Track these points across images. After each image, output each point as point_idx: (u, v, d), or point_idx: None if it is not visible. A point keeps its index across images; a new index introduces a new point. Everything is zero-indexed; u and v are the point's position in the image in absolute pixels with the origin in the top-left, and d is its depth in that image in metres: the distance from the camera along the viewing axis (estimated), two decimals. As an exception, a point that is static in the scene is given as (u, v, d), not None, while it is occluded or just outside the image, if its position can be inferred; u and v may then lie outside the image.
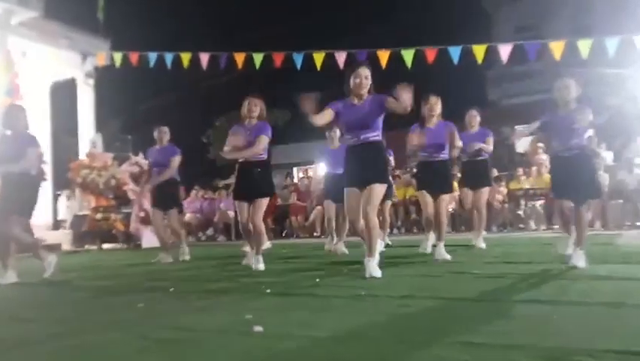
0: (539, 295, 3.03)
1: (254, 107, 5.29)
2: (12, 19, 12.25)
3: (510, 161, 13.53)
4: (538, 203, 11.29)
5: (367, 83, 4.26)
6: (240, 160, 5.36)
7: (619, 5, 17.12)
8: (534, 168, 11.58)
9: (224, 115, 22.82)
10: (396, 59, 11.21)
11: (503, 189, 11.65)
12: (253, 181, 5.23)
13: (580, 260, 4.21)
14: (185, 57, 12.31)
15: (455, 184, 9.35)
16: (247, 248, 7.17)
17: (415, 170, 7.33)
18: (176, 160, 6.74)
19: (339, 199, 7.14)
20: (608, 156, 11.17)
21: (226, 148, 5.27)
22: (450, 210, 11.25)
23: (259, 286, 3.87)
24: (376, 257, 4.24)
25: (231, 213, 13.61)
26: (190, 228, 14.14)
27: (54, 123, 13.86)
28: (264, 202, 5.24)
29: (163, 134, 6.81)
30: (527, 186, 11.54)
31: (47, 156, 10.17)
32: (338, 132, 6.97)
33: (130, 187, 11.60)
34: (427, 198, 5.76)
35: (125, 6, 17.65)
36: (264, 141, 5.17)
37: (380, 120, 4.29)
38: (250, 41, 14.53)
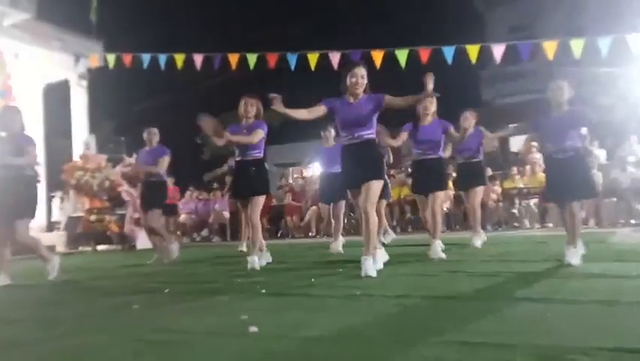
0: (533, 294, 3.04)
1: (250, 107, 5.36)
2: (4, 20, 12.21)
3: (504, 160, 13.57)
4: (533, 202, 11.34)
5: (363, 82, 4.30)
6: (237, 159, 5.45)
7: (611, 5, 17.22)
8: (528, 167, 11.62)
9: (219, 116, 22.74)
10: (390, 59, 11.24)
11: (497, 188, 11.69)
12: (249, 180, 5.32)
13: (574, 258, 4.22)
14: (179, 58, 12.30)
15: (450, 183, 9.40)
16: (244, 248, 7.17)
17: (409, 169, 7.37)
18: (165, 160, 6.70)
19: (334, 198, 7.19)
20: (601, 155, 11.23)
21: (226, 134, 5.26)
22: (445, 209, 11.28)
23: (254, 286, 3.86)
24: (380, 256, 4.31)
25: (226, 214, 13.61)
26: (185, 229, 14.13)
27: (47, 125, 13.78)
28: (261, 200, 5.34)
29: (152, 136, 6.78)
30: (521, 185, 11.59)
31: (40, 158, 10.13)
32: (333, 132, 6.99)
33: (124, 188, 11.56)
34: (423, 202, 5.83)
35: (118, 7, 17.61)
36: (260, 134, 5.26)
37: (375, 119, 4.35)
38: (244, 42, 14.52)
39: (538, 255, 5.12)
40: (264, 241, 5.74)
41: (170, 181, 12.53)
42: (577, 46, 10.68)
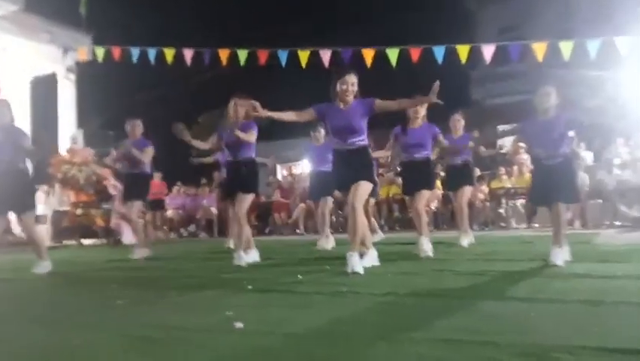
0: (518, 293, 3.07)
1: (239, 108, 5.36)
2: (-8, 12, 12.05)
3: (492, 160, 13.65)
4: (520, 202, 11.42)
5: (354, 89, 4.34)
6: (229, 159, 5.48)
7: (601, 8, 17.36)
8: (515, 168, 11.70)
9: (208, 112, 22.67)
10: (381, 58, 11.24)
11: (485, 188, 11.75)
12: (239, 178, 5.36)
13: (558, 258, 4.26)
14: (169, 53, 12.21)
15: (439, 183, 9.43)
16: (231, 245, 7.16)
17: (398, 168, 7.39)
18: (149, 151, 6.61)
19: (322, 195, 7.20)
20: (587, 157, 11.32)
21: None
22: (433, 208, 11.32)
23: (241, 282, 3.86)
24: (371, 257, 4.46)
25: (214, 210, 13.56)
26: (172, 224, 14.06)
27: (34, 119, 13.63)
28: (249, 197, 5.36)
29: (135, 128, 6.66)
30: (509, 186, 11.65)
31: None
32: (322, 131, 7.00)
33: (111, 183, 11.47)
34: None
35: (107, 0, 17.43)
36: (253, 135, 5.29)
37: (365, 123, 4.39)
38: (235, 38, 14.44)
39: (524, 255, 5.15)
40: (252, 239, 5.72)
41: (157, 176, 12.50)
42: (566, 48, 10.74)
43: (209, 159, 7.93)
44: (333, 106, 4.40)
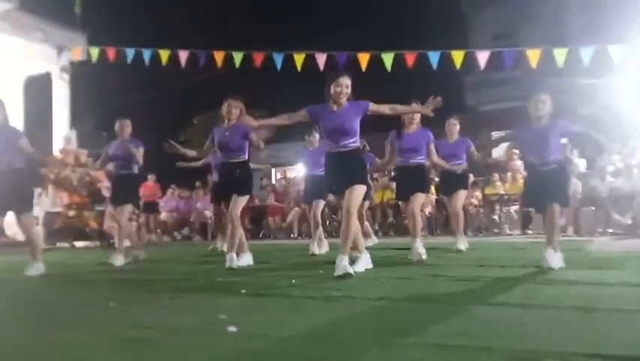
0: (511, 299, 3.07)
1: (233, 110, 5.37)
2: (-15, 11, 11.99)
3: (486, 166, 13.70)
4: (513, 208, 11.45)
5: (347, 92, 4.36)
6: (222, 161, 5.50)
7: (594, 15, 17.49)
8: (509, 174, 11.73)
9: (203, 113, 22.66)
10: (376, 62, 11.27)
11: (478, 194, 11.78)
12: (232, 181, 5.37)
13: (553, 261, 4.27)
14: (164, 54, 12.19)
15: (433, 188, 9.44)
16: (224, 248, 7.11)
17: (392, 173, 7.39)
18: (140, 152, 6.32)
19: (314, 199, 7.19)
20: (580, 164, 11.37)
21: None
22: (427, 213, 11.33)
23: (235, 286, 3.85)
24: (364, 261, 4.51)
25: (208, 213, 13.51)
26: (166, 227, 13.99)
27: (27, 119, 13.54)
28: (243, 199, 5.35)
29: (125, 127, 6.39)
30: (502, 192, 11.69)
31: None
32: (317, 135, 6.99)
33: (104, 184, 11.41)
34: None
35: (103, 0, 17.40)
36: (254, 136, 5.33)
37: (358, 125, 4.39)
38: (230, 40, 14.43)
39: (517, 261, 5.17)
40: (246, 242, 5.70)
41: (151, 178, 12.45)
42: (560, 55, 10.82)
43: (195, 163, 7.85)
44: (326, 108, 4.41)
